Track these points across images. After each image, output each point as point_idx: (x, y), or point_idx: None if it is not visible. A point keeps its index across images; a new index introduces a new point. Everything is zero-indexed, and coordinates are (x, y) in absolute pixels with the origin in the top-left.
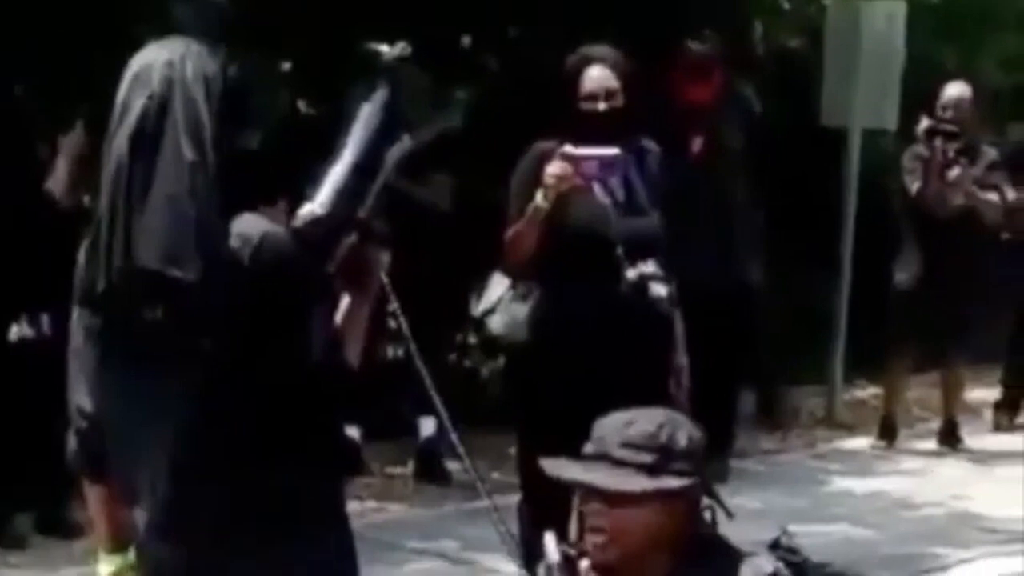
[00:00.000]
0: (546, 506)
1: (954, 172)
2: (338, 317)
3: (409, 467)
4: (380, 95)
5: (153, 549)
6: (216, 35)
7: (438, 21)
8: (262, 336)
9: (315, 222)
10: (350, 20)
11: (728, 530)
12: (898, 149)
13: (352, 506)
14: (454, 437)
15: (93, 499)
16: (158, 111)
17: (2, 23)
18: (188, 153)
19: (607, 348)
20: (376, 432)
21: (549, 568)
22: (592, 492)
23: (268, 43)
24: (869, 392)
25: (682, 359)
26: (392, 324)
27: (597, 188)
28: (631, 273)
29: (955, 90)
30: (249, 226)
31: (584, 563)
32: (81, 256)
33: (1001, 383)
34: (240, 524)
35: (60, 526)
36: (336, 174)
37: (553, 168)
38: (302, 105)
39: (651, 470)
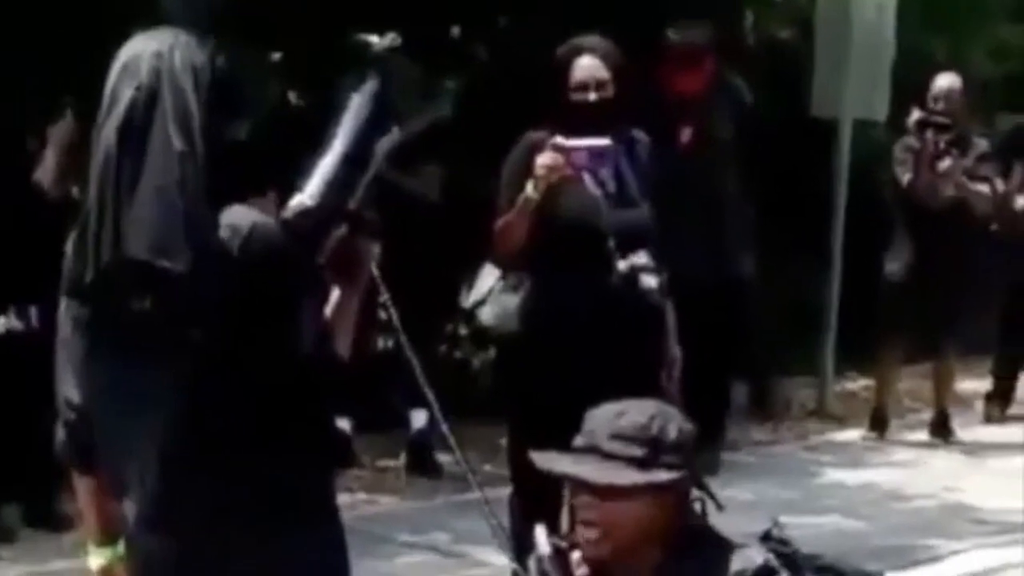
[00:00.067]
0: (537, 498)
1: (945, 163)
2: (328, 309)
3: (400, 459)
4: (370, 86)
5: (142, 541)
6: (205, 26)
7: (428, 12)
8: (252, 328)
9: (305, 213)
10: (340, 10)
11: (719, 522)
12: (889, 140)
13: (343, 498)
14: (445, 428)
15: (82, 491)
16: (147, 102)
17: None
18: (177, 144)
19: (598, 339)
20: (367, 424)
21: (540, 560)
22: (582, 485)
23: (257, 34)
24: (860, 384)
25: (675, 350)
26: (383, 315)
27: (588, 179)
28: (622, 264)
29: (945, 81)
30: (239, 217)
31: (575, 555)
32: (69, 247)
33: (992, 374)
34: (230, 516)
35: (49, 518)
36: (326, 165)
37: (544, 159)
38: (292, 96)
39: (641, 463)
